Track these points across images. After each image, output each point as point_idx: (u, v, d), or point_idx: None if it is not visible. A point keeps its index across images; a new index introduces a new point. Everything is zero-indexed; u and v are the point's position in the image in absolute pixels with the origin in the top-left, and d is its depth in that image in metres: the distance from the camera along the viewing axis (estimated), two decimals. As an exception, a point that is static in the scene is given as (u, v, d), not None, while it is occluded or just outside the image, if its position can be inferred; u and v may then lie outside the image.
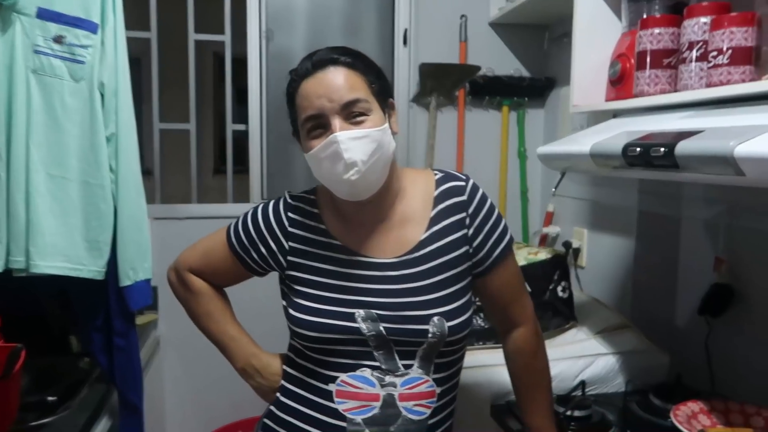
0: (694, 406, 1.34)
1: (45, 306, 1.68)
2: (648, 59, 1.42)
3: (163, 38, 2.31)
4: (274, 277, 1.18)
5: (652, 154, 1.10)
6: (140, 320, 2.05)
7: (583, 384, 1.54)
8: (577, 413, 1.41)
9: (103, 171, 1.41)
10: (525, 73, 2.47)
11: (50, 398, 1.35)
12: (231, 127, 2.41)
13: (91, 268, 1.41)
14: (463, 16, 2.39)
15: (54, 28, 1.36)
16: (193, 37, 2.34)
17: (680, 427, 1.24)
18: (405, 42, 2.39)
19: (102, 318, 1.51)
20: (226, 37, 2.36)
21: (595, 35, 1.65)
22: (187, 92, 2.37)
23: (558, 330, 1.75)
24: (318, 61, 1.02)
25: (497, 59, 2.43)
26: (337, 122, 0.99)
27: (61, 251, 1.38)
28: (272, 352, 1.21)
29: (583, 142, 1.37)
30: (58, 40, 1.37)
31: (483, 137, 2.48)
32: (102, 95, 1.41)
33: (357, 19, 2.46)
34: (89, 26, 1.39)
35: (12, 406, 0.96)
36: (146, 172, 1.64)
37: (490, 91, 2.42)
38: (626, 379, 1.59)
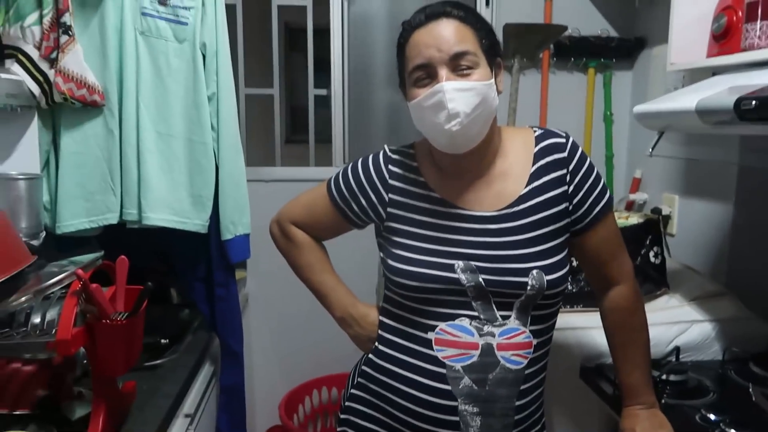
0: (800, 374, 1.28)
1: (147, 259, 1.79)
2: (759, 10, 1.34)
3: (245, 5, 2.36)
4: (362, 237, 1.19)
5: (771, 107, 1.04)
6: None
7: (677, 350, 1.51)
8: (672, 377, 1.38)
9: (205, 129, 1.47)
10: (613, 33, 2.37)
11: (163, 340, 1.45)
12: (312, 91, 2.45)
13: (196, 221, 1.49)
14: (549, -27, 2.31)
15: (160, -10, 1.43)
16: (276, 2, 2.38)
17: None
18: (488, 3, 2.35)
19: (203, 270, 1.60)
20: (308, 2, 2.39)
21: (696, -12, 1.56)
22: (270, 57, 2.42)
23: (650, 296, 1.70)
24: (431, 12, 1.03)
25: (584, 19, 2.35)
26: (444, 72, 1.00)
27: (168, 205, 1.46)
28: (368, 303, 1.25)
29: (686, 99, 1.31)
30: (163, 2, 1.43)
31: (567, 100, 2.41)
32: (203, 56, 1.47)
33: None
34: (192, -12, 1.45)
35: (139, 341, 1.04)
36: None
37: (576, 52, 2.35)
38: (723, 347, 1.53)
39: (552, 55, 2.36)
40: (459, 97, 0.99)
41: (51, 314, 0.94)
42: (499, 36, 2.29)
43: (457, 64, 1.00)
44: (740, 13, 1.41)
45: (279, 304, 2.40)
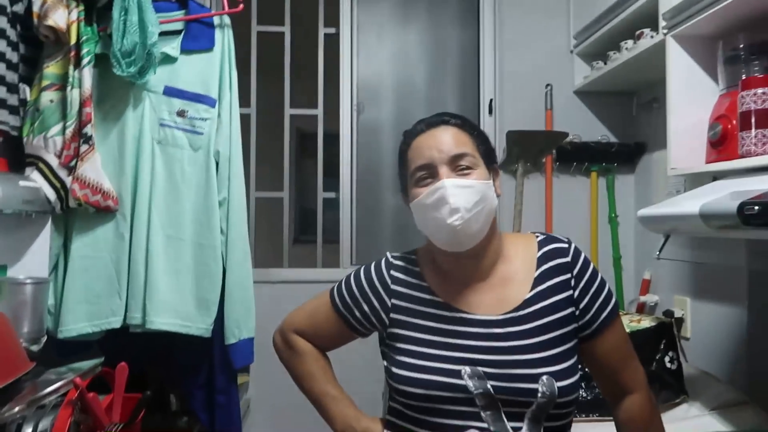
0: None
1: (147, 363, 1.75)
2: (753, 119, 1.38)
3: (258, 113, 2.48)
4: (368, 344, 1.18)
5: (773, 212, 1.05)
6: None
7: (701, 464, 1.42)
8: (698, 496, 1.29)
9: (214, 233, 1.50)
10: (613, 139, 2.45)
11: (158, 453, 1.38)
12: (321, 195, 2.51)
13: (200, 325, 1.48)
14: (548, 85, 2.43)
15: (178, 104, 1.51)
16: (288, 111, 2.50)
17: None
18: (490, 111, 2.45)
19: (204, 376, 1.56)
20: (319, 111, 2.50)
21: (690, 98, 1.63)
22: (281, 162, 2.50)
23: (667, 405, 1.63)
24: (431, 122, 1.10)
25: (584, 126, 2.44)
26: (444, 170, 1.04)
27: (173, 308, 1.45)
28: (372, 416, 1.20)
29: (689, 204, 1.33)
30: (181, 114, 1.51)
31: (571, 203, 2.45)
32: (217, 163, 1.53)
33: (442, 91, 2.56)
34: (208, 101, 1.53)
35: (132, 455, 1.00)
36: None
37: (578, 157, 2.41)
38: (750, 461, 1.44)
39: (555, 159, 2.43)
40: (459, 193, 1.02)
41: (44, 424, 0.91)
42: (502, 142, 2.39)
43: (457, 165, 1.05)
44: (734, 122, 1.45)
45: (282, 410, 2.30)
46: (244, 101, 2.42)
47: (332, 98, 2.49)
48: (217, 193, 1.51)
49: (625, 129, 2.46)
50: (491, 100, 2.45)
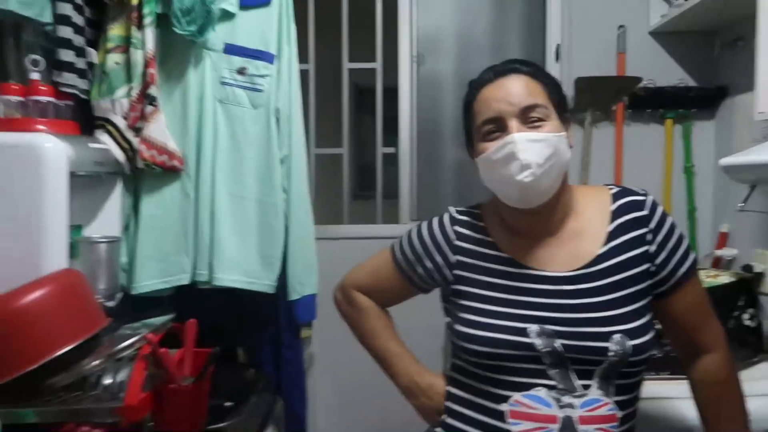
0: None
1: (216, 319, 1.82)
2: None
3: (317, 69, 2.45)
4: (427, 299, 1.16)
5: None
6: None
7: (782, 426, 1.35)
8: (779, 460, 1.23)
9: (276, 191, 1.51)
10: (691, 83, 2.28)
11: (227, 404, 1.44)
12: (381, 150, 2.48)
13: (264, 281, 1.51)
14: (621, 26, 2.28)
15: (238, 61, 1.50)
16: (347, 66, 2.46)
17: None
18: (557, 57, 2.33)
19: (271, 331, 1.60)
20: (378, 64, 2.45)
21: (782, 35, 1.48)
22: (341, 118, 2.48)
23: (745, 363, 1.56)
24: (500, 70, 1.04)
25: (659, 70, 2.28)
26: (515, 123, 0.99)
27: (238, 265, 1.49)
28: (435, 372, 1.20)
29: (779, 151, 1.22)
30: (241, 71, 1.50)
31: (643, 153, 2.32)
32: (277, 120, 1.52)
33: (505, 39, 2.44)
34: (268, 57, 1.52)
35: (204, 405, 1.04)
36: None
37: (652, 103, 2.26)
38: (839, 425, 1.36)
39: (626, 107, 2.29)
40: (530, 148, 0.97)
41: (121, 376, 0.96)
42: (571, 90, 2.27)
43: (528, 117, 0.99)
44: (834, 59, 1.32)
45: (344, 365, 2.35)
46: (302, 57, 2.41)
47: (391, 51, 2.43)
48: (278, 150, 1.51)
49: (705, 72, 2.28)
50: (558, 46, 2.32)
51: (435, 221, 1.16)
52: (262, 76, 1.51)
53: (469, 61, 2.44)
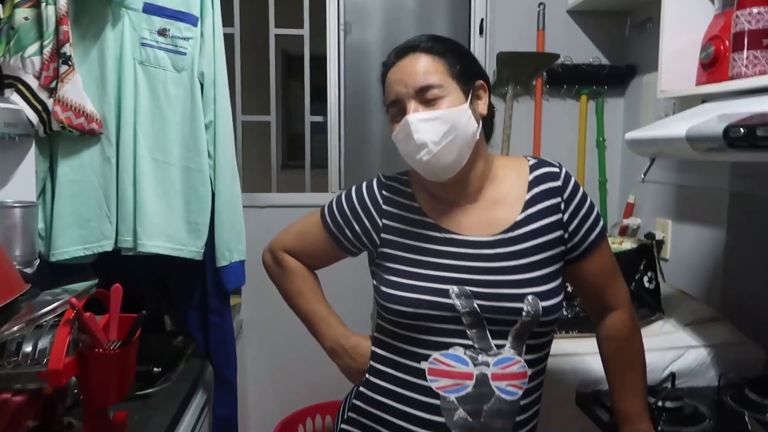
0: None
1: (142, 287, 1.79)
2: (746, 40, 1.36)
3: (243, 34, 2.40)
4: (357, 263, 1.20)
5: (758, 134, 1.06)
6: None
7: (672, 376, 1.50)
8: (668, 404, 1.37)
9: (202, 156, 1.49)
10: (604, 61, 2.41)
11: (156, 369, 1.43)
12: (309, 118, 2.47)
13: (191, 248, 1.49)
14: (541, 4, 2.36)
15: (159, 22, 1.45)
16: (273, 31, 2.42)
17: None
18: (481, 32, 2.39)
19: (198, 297, 1.59)
20: (305, 31, 2.42)
21: (685, 18, 1.60)
22: (268, 85, 2.45)
23: (644, 321, 1.70)
24: (400, 50, 1.08)
25: (576, 47, 2.39)
26: (412, 105, 1.04)
27: (164, 232, 1.47)
28: (360, 333, 1.24)
29: (676, 126, 1.33)
30: (162, 32, 1.45)
31: (560, 127, 2.44)
32: (201, 85, 1.49)
33: (432, 10, 2.47)
34: (190, 19, 1.48)
35: (131, 370, 1.03)
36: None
37: (569, 80, 2.38)
38: (719, 373, 1.53)
39: (545, 82, 2.40)
40: (424, 128, 1.02)
41: (43, 343, 0.94)
42: (493, 64, 2.35)
43: (424, 97, 1.04)
44: (727, 43, 1.43)
45: (273, 330, 2.38)
46: (227, 20, 2.34)
47: (319, 19, 2.40)
48: (203, 115, 1.49)
49: (617, 51, 2.41)
50: (482, 20, 2.38)
51: (364, 185, 1.19)
52: (185, 39, 1.47)
53: (397, 32, 2.46)
